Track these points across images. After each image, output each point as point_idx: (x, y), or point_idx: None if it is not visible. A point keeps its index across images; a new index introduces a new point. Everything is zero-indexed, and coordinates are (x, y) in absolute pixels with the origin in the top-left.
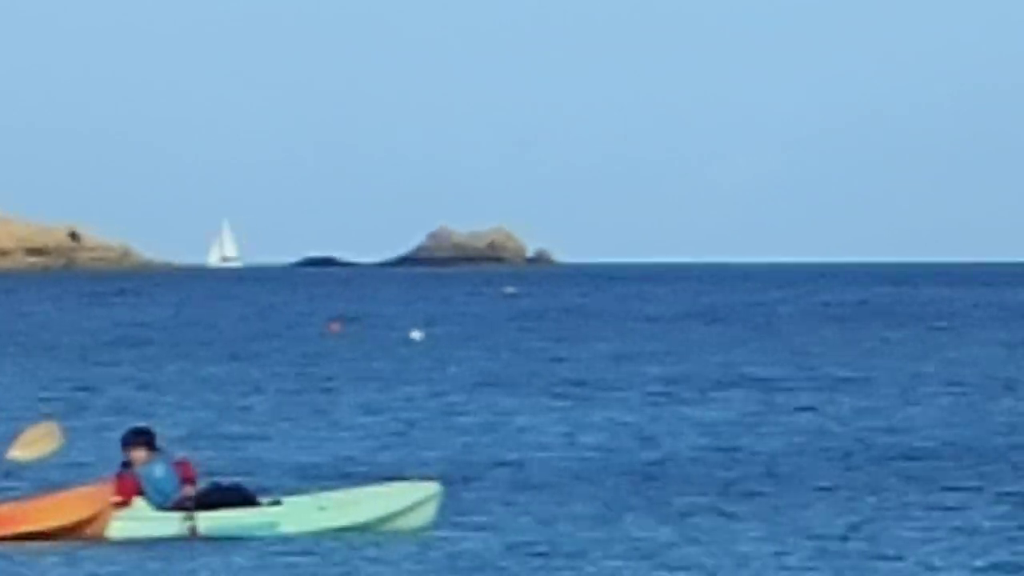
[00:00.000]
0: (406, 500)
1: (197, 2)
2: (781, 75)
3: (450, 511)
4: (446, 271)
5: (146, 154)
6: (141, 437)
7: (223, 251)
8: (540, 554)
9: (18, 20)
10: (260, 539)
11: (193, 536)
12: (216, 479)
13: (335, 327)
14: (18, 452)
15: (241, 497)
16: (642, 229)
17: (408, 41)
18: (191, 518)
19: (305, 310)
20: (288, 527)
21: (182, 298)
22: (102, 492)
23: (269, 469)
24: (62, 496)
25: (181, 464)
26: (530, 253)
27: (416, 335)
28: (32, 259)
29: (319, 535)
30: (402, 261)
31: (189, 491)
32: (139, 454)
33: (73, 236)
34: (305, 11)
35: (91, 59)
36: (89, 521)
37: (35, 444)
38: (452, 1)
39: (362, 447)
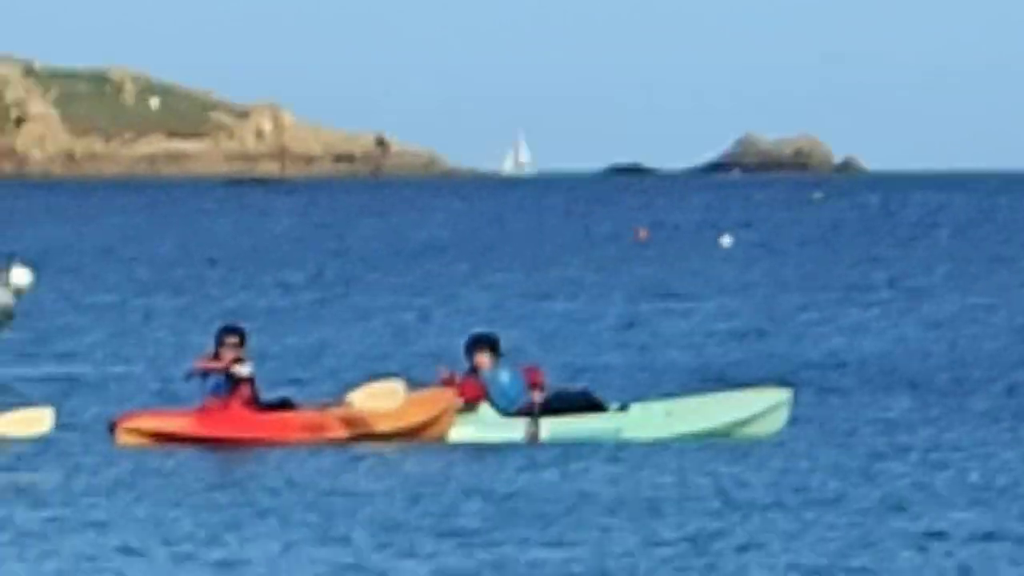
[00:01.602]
0: (756, 407)
1: None
2: None
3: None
4: (753, 178)
5: (449, 61)
6: (486, 342)
7: (517, 159)
8: (899, 451)
9: None
10: (603, 445)
11: (535, 442)
12: (564, 386)
13: (643, 234)
14: (358, 398)
15: (588, 403)
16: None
17: None
18: (534, 424)
19: (613, 217)
20: (632, 433)
21: (490, 206)
22: (444, 395)
23: (593, 377)
24: (415, 398)
25: (529, 370)
26: (837, 160)
27: (726, 241)
28: (340, 166)
29: (664, 442)
30: (709, 169)
31: (536, 396)
32: (483, 359)
33: (380, 143)
34: None
35: None
36: (431, 424)
37: (375, 398)
38: None
39: (684, 354)
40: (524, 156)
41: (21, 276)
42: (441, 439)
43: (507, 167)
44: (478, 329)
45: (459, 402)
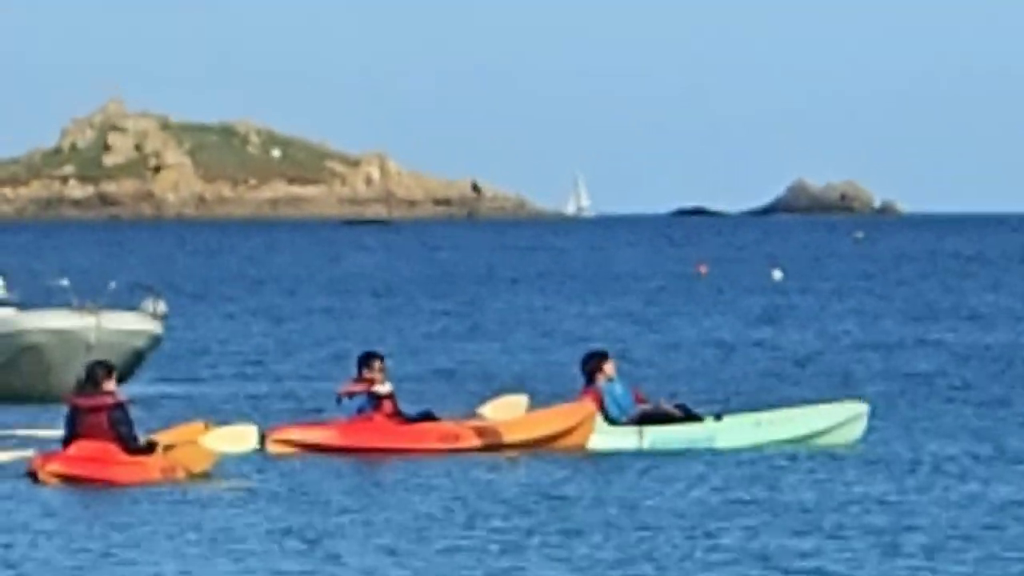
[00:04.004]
0: (836, 418)
1: None
2: None
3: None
4: (803, 219)
5: (534, 108)
6: (602, 358)
7: (579, 201)
8: (970, 460)
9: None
10: (699, 451)
11: (640, 447)
12: (664, 400)
13: (703, 268)
14: (487, 410)
15: (686, 415)
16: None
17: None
18: (639, 432)
19: (677, 253)
20: (725, 441)
21: (570, 244)
22: (584, 407)
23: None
24: (549, 411)
25: (634, 388)
26: (877, 203)
27: (777, 275)
28: (439, 209)
29: (753, 449)
30: (765, 211)
31: (642, 408)
32: (602, 373)
33: (475, 188)
34: None
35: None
36: (572, 431)
37: (502, 409)
38: None
39: (750, 372)
40: (584, 199)
41: (159, 306)
42: (581, 448)
43: (570, 209)
44: (594, 346)
45: (596, 414)
